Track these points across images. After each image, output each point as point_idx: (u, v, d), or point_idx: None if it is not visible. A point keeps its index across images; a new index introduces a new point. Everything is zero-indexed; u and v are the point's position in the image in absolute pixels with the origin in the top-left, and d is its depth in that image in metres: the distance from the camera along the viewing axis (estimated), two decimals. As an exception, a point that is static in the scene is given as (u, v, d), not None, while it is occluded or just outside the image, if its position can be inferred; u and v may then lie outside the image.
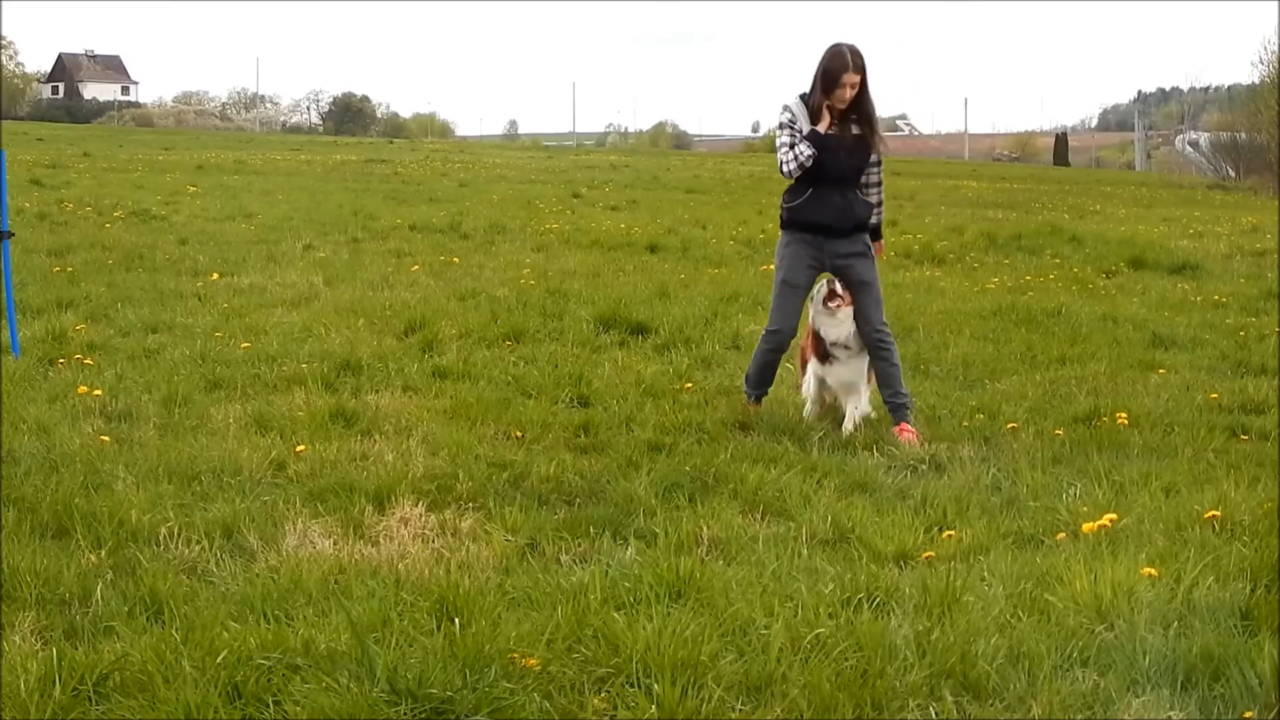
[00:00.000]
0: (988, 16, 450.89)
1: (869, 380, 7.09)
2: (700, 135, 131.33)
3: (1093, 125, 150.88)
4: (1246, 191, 42.97)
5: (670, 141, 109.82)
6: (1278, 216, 23.92)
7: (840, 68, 6.69)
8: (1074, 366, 8.76)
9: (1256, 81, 49.28)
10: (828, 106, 6.77)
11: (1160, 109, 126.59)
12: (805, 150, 6.74)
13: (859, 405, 7.00)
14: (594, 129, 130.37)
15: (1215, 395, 7.79)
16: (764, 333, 7.14)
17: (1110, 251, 16.78)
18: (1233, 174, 52.55)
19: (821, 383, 7.12)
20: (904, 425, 6.82)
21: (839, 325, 6.95)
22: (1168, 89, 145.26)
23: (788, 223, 7.01)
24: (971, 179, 43.26)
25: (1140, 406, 7.44)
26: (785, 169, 6.82)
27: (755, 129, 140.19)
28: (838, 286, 6.91)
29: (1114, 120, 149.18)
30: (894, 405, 6.95)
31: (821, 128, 6.76)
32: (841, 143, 6.81)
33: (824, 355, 6.99)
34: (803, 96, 6.88)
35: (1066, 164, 78.51)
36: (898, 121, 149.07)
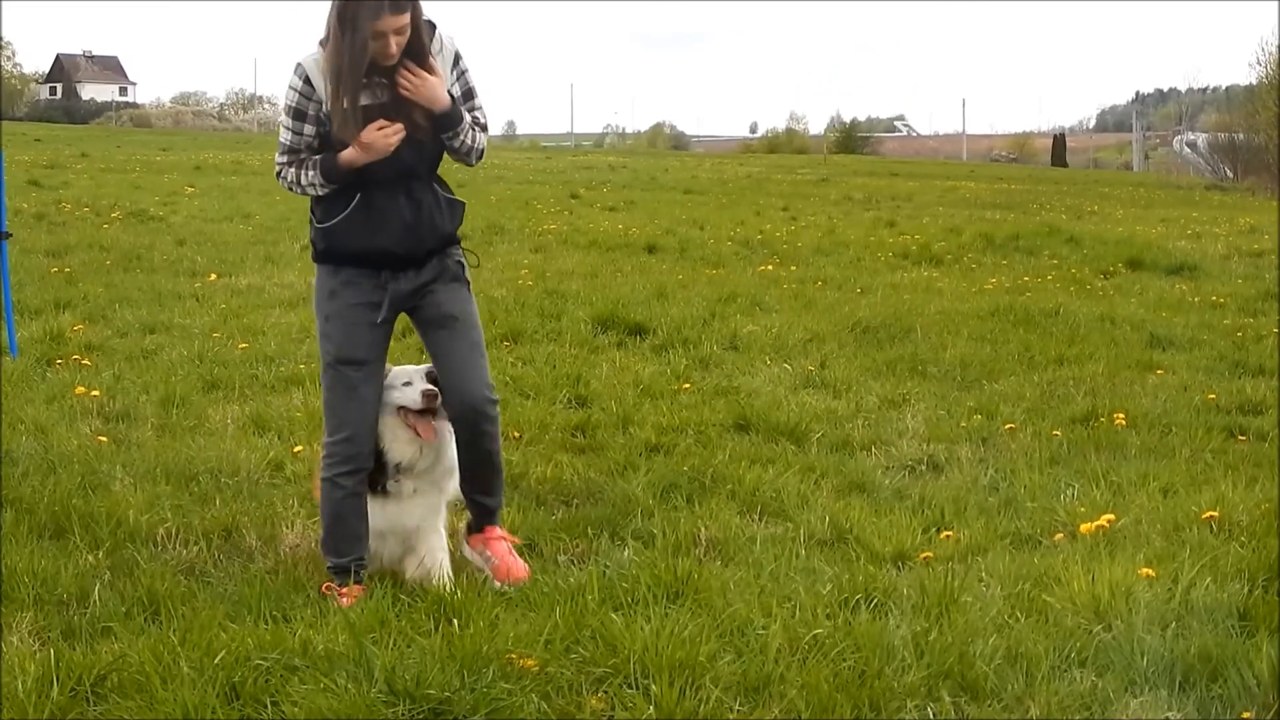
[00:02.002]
0: (986, 18, 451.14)
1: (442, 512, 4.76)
2: (698, 136, 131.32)
3: (1090, 126, 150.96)
4: (1244, 192, 42.99)
5: (668, 142, 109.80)
6: (1276, 217, 23.93)
7: (371, 13, 4.15)
8: (1072, 367, 8.76)
9: (1254, 82, 49.37)
10: (365, 80, 4.25)
11: (1158, 110, 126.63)
12: (313, 179, 4.36)
13: (432, 555, 4.63)
14: (592, 130, 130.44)
15: (1213, 396, 7.79)
16: (324, 447, 4.53)
17: (1108, 252, 16.79)
18: (1230, 175, 52.60)
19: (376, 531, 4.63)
20: (491, 530, 4.71)
21: (416, 445, 4.57)
22: (1165, 90, 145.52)
23: (324, 254, 4.46)
24: (969, 180, 43.28)
25: (1138, 407, 7.44)
26: (284, 182, 4.47)
27: (753, 130, 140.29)
28: (436, 399, 4.54)
29: (1112, 121, 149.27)
30: (479, 504, 4.72)
31: (356, 152, 4.28)
32: (398, 119, 4.30)
33: (375, 483, 4.57)
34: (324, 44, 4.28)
35: (1064, 165, 78.49)
36: (895, 122, 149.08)
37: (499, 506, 4.81)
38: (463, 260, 4.65)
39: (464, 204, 4.66)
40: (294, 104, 4.36)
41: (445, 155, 4.56)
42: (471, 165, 4.63)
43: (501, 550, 4.68)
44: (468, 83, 4.54)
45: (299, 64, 4.34)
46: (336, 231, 4.41)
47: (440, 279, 4.55)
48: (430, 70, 4.33)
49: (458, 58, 4.50)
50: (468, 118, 4.47)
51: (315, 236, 4.49)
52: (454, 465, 4.68)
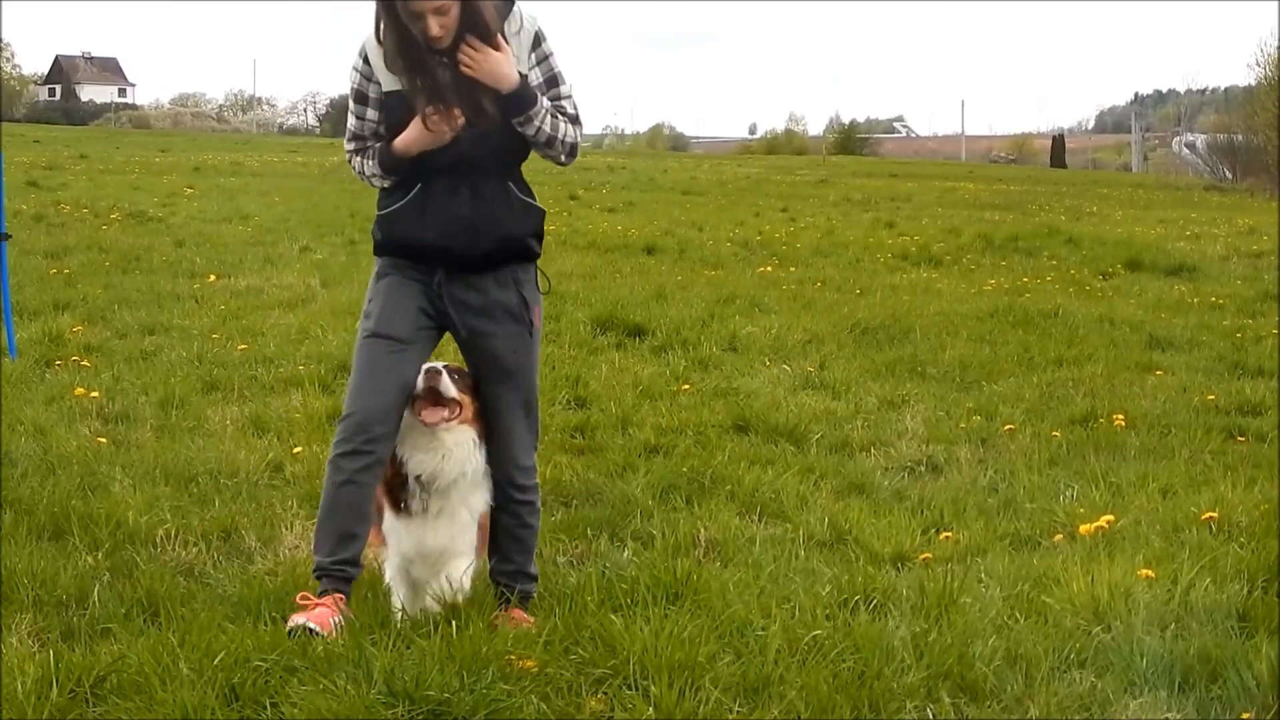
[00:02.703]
0: (985, 19, 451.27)
1: (477, 547, 4.30)
2: (697, 137, 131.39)
3: (1089, 127, 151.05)
4: (1243, 193, 43.02)
5: (667, 143, 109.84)
6: (1276, 218, 23.94)
7: None
8: (1071, 368, 8.76)
9: (1253, 83, 49.40)
10: (423, 60, 3.91)
11: (1157, 111, 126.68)
12: (373, 169, 4.11)
13: (453, 580, 4.17)
14: (591, 130, 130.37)
15: (1212, 397, 7.79)
16: (338, 426, 4.13)
17: (1107, 253, 16.80)
18: (1229, 176, 52.63)
19: (403, 558, 4.24)
20: (518, 614, 4.16)
21: (435, 454, 4.10)
22: (1164, 91, 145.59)
23: (378, 245, 4.20)
24: (968, 180, 43.29)
25: (1137, 408, 7.44)
26: (355, 172, 4.26)
27: (752, 131, 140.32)
28: (446, 381, 4.08)
29: (1111, 122, 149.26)
30: (509, 584, 4.27)
31: (411, 137, 3.97)
32: (459, 101, 3.94)
33: (399, 501, 4.17)
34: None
35: (1063, 165, 78.53)
36: (894, 123, 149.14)
37: (528, 596, 4.27)
38: (530, 294, 4.14)
39: (543, 211, 4.15)
40: (355, 86, 4.09)
41: (532, 151, 4.12)
42: (562, 163, 4.15)
43: (516, 616, 4.16)
44: (551, 68, 4.06)
45: (362, 44, 4.07)
46: (389, 220, 4.11)
47: (501, 319, 4.09)
48: (496, 47, 3.90)
49: (538, 39, 4.04)
50: (545, 102, 3.99)
51: (374, 227, 4.20)
52: (483, 480, 4.22)
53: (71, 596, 4.22)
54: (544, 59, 4.06)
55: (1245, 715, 3.46)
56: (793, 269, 14.69)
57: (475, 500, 4.22)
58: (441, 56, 3.90)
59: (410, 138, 3.96)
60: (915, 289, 13.23)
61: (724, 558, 4.83)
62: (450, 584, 4.14)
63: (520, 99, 3.94)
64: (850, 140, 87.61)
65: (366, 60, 4.03)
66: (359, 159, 4.15)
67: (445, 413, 4.10)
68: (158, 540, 4.83)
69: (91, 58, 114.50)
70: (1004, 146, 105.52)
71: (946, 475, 6.14)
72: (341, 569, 4.07)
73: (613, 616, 3.92)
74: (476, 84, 3.90)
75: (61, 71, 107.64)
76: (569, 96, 4.10)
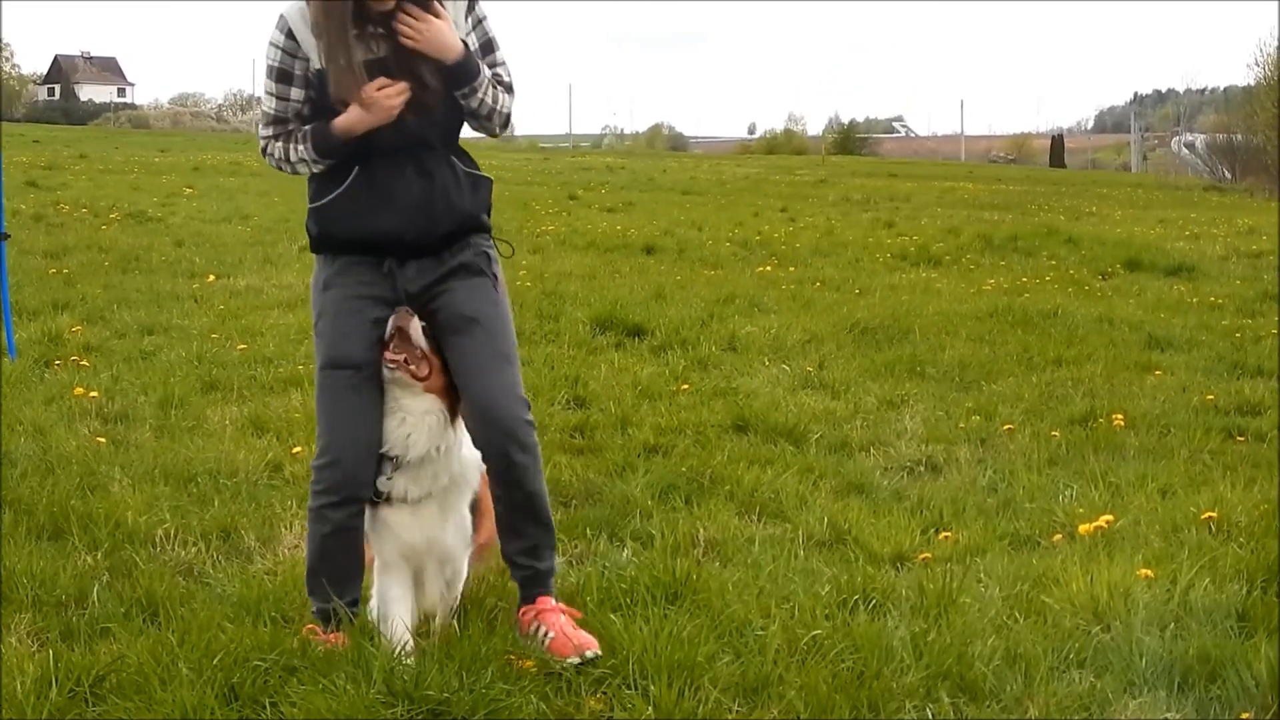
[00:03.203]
0: (984, 18, 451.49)
1: (476, 536, 4.00)
2: (696, 137, 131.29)
3: (1089, 127, 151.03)
4: (1242, 193, 43.04)
5: (666, 143, 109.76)
6: (1275, 218, 23.94)
7: None
8: (1070, 368, 8.76)
9: (1252, 83, 49.44)
10: (358, 31, 3.62)
11: (1156, 111, 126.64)
12: (304, 153, 3.71)
13: (449, 587, 3.92)
14: (590, 130, 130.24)
15: (1211, 397, 7.80)
16: (311, 471, 3.84)
17: (1106, 253, 16.80)
18: (1229, 176, 52.64)
19: (392, 562, 3.88)
20: (544, 601, 3.90)
21: (402, 423, 3.76)
22: (1164, 91, 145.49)
23: (318, 240, 3.82)
24: (968, 180, 43.29)
25: (1136, 408, 7.44)
26: (271, 159, 3.81)
27: (751, 130, 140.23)
28: (417, 327, 3.75)
29: (1110, 122, 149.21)
30: (525, 569, 3.93)
31: (356, 115, 3.63)
32: (401, 74, 3.64)
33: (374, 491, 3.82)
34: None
35: (1063, 165, 78.52)
36: (894, 123, 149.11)
37: (552, 570, 3.96)
38: (490, 252, 3.89)
39: (490, 180, 3.90)
40: (277, 63, 3.69)
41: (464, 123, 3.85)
42: (496, 134, 3.92)
43: (557, 623, 3.80)
44: (486, 33, 3.82)
45: (281, 15, 3.69)
46: (330, 211, 3.74)
47: (458, 274, 3.80)
48: (435, 14, 3.64)
49: (473, 3, 3.80)
50: (486, 72, 3.74)
51: (309, 221, 3.81)
52: (473, 459, 3.87)
53: (71, 596, 4.22)
54: (479, 23, 3.81)
55: (1245, 715, 3.46)
56: (792, 269, 14.69)
57: (460, 488, 3.89)
58: (378, 27, 3.64)
59: (355, 116, 3.62)
60: (915, 289, 13.23)
61: (723, 558, 4.83)
62: (449, 591, 3.90)
63: (465, 70, 3.68)
64: (849, 140, 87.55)
65: (291, 35, 3.66)
66: (280, 144, 3.74)
67: (402, 358, 3.71)
68: (157, 540, 4.83)
69: (91, 57, 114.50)
70: (1003, 146, 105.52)
71: (946, 475, 6.14)
72: (352, 609, 3.84)
73: (612, 616, 3.92)
74: (418, 55, 3.63)
75: (61, 71, 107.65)
76: (504, 63, 3.85)
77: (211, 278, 12.22)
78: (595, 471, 5.95)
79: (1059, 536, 5.06)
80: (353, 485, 3.75)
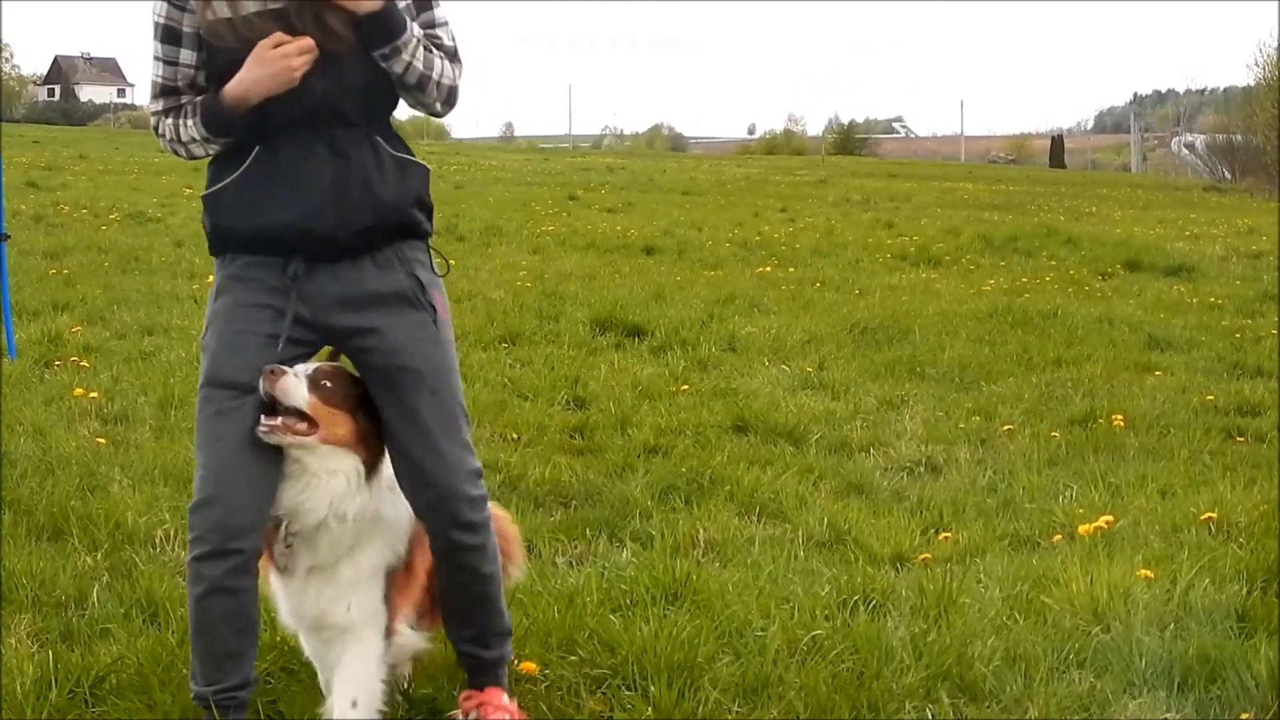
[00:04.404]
0: (984, 18, 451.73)
1: (391, 621, 3.30)
2: (696, 137, 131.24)
3: (1089, 127, 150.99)
4: (1242, 193, 43.03)
5: (666, 144, 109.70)
6: (1275, 218, 23.94)
7: None
8: (1070, 368, 8.77)
9: (1252, 83, 49.43)
10: None
11: (1156, 111, 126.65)
12: (193, 130, 3.07)
13: (343, 674, 3.20)
14: (590, 131, 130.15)
15: (1211, 397, 7.80)
16: (190, 517, 3.09)
17: (1106, 253, 16.80)
18: (1228, 176, 52.61)
19: (290, 630, 3.43)
20: (491, 693, 3.36)
21: (298, 484, 3.11)
22: (1164, 91, 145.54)
23: (209, 236, 3.22)
24: (967, 181, 43.26)
25: (1136, 408, 7.45)
26: (164, 141, 3.17)
27: (751, 131, 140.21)
28: (288, 386, 3.06)
29: (1110, 122, 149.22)
30: (470, 657, 3.39)
31: (249, 78, 2.97)
32: (305, 27, 3.00)
33: (271, 553, 3.21)
34: None
35: (1063, 166, 78.46)
36: (894, 124, 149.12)
37: (502, 660, 3.39)
38: (424, 273, 3.18)
39: (427, 169, 3.19)
40: (162, 18, 3.05)
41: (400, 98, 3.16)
42: (437, 112, 3.19)
43: None
44: None
45: None
46: (223, 201, 3.09)
47: (390, 306, 3.11)
48: None
49: None
50: (416, 31, 3.06)
51: (202, 214, 3.19)
52: (398, 520, 3.23)
53: (70, 597, 4.22)
54: None
55: (1244, 715, 3.46)
56: (792, 269, 14.69)
57: (367, 554, 3.18)
58: None
59: (249, 78, 2.95)
60: (914, 289, 13.23)
61: (723, 558, 4.83)
62: (340, 683, 3.17)
63: (385, 24, 2.99)
64: (849, 140, 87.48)
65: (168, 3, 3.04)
66: (170, 120, 3.10)
67: (277, 422, 3.03)
68: (157, 540, 4.83)
69: (91, 58, 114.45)
70: (1003, 147, 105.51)
71: (945, 475, 6.14)
72: (230, 698, 3.11)
73: (612, 617, 3.92)
74: (326, 3, 2.99)
75: (61, 72, 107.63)
76: (445, 23, 3.18)
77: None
78: (595, 472, 5.95)
79: (1059, 537, 5.06)
80: (232, 532, 3.01)
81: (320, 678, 3.37)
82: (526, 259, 14.99)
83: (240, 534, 3.03)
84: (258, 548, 3.09)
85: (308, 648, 3.35)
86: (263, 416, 3.02)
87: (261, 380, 3.03)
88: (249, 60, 2.95)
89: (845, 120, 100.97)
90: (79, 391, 7.03)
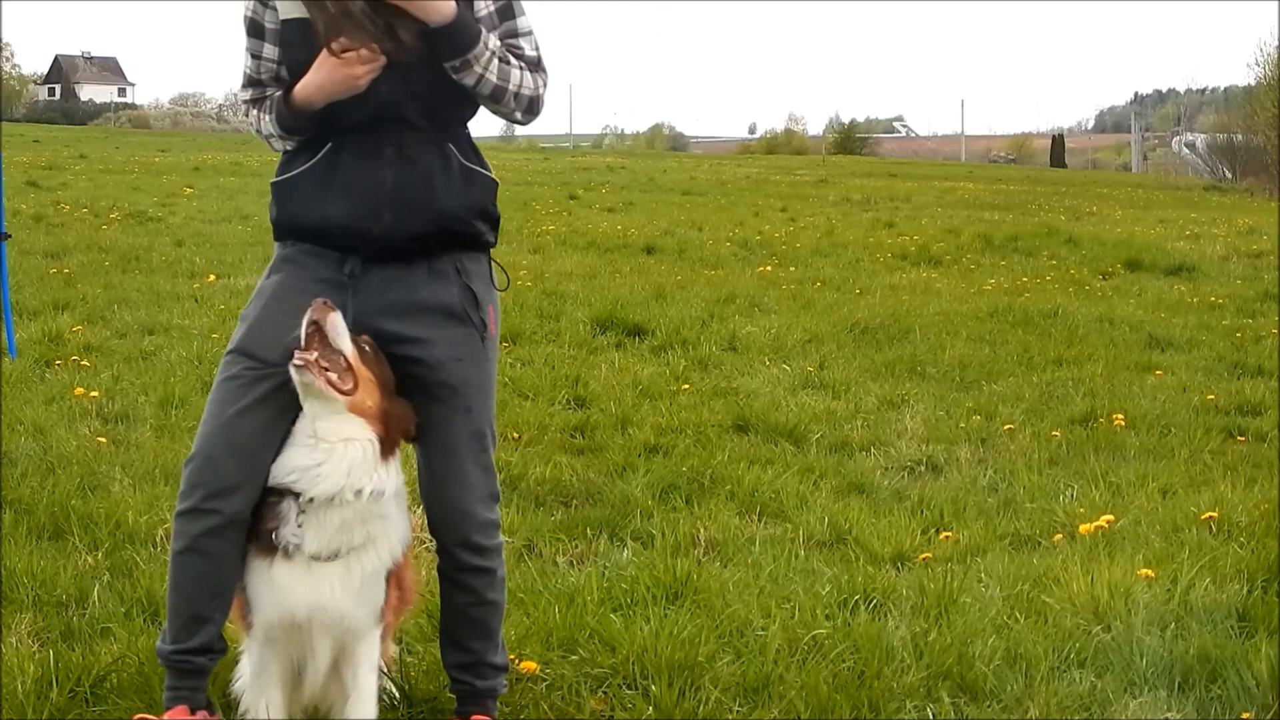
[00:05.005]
0: (985, 18, 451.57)
1: (385, 628, 3.24)
2: (696, 137, 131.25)
3: (1089, 127, 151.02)
4: (1243, 193, 43.02)
5: (667, 143, 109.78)
6: (1276, 218, 23.94)
7: None
8: (1070, 368, 8.77)
9: (1252, 83, 49.44)
10: None
11: (1157, 111, 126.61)
12: (270, 125, 3.13)
13: (359, 676, 3.11)
14: (590, 130, 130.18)
15: (1212, 397, 7.80)
16: (184, 478, 3.09)
17: (1107, 253, 16.80)
18: (1229, 175, 52.61)
19: (272, 633, 3.08)
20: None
21: (312, 449, 2.98)
22: (1164, 91, 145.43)
23: (273, 223, 3.22)
24: (968, 180, 43.27)
25: (1137, 408, 7.45)
26: (254, 130, 3.23)
27: (752, 130, 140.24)
28: (338, 323, 2.98)
29: (1110, 122, 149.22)
30: (462, 684, 3.32)
31: (315, 81, 3.00)
32: (368, 36, 2.95)
33: (269, 532, 3.03)
34: None
35: (1063, 165, 78.51)
36: (894, 123, 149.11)
37: (494, 691, 3.32)
38: (479, 287, 3.16)
39: (495, 182, 3.19)
40: (249, 14, 3.12)
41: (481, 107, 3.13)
42: (519, 121, 3.17)
43: None
44: None
45: None
46: (286, 190, 3.14)
47: (439, 319, 3.10)
48: None
49: None
50: (492, 42, 3.02)
51: (270, 201, 3.22)
52: (404, 528, 3.15)
53: (71, 596, 4.22)
54: None
55: (1245, 715, 3.46)
56: (792, 269, 14.69)
57: (374, 553, 3.05)
58: None
59: (314, 82, 2.99)
60: (915, 289, 13.24)
61: (724, 558, 4.83)
62: (361, 683, 3.08)
63: (455, 36, 2.96)
64: (850, 140, 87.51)
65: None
66: (257, 112, 3.16)
67: (323, 362, 2.92)
68: (157, 540, 4.82)
69: (91, 57, 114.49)
70: (1003, 146, 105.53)
71: (946, 475, 6.14)
72: (186, 660, 3.14)
73: (613, 616, 3.92)
74: (396, 11, 2.95)
75: (61, 71, 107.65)
76: (528, 33, 3.13)
77: (211, 278, 12.21)
78: (595, 471, 5.95)
79: (1059, 536, 5.06)
80: (215, 491, 3.00)
81: (269, 690, 3.12)
82: (527, 258, 14.99)
83: (221, 494, 3.00)
84: (240, 514, 3.02)
85: (274, 652, 3.09)
86: (296, 352, 2.93)
87: (311, 309, 2.95)
88: (315, 64, 2.99)
89: (846, 120, 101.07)
90: (79, 391, 7.03)
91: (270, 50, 3.11)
